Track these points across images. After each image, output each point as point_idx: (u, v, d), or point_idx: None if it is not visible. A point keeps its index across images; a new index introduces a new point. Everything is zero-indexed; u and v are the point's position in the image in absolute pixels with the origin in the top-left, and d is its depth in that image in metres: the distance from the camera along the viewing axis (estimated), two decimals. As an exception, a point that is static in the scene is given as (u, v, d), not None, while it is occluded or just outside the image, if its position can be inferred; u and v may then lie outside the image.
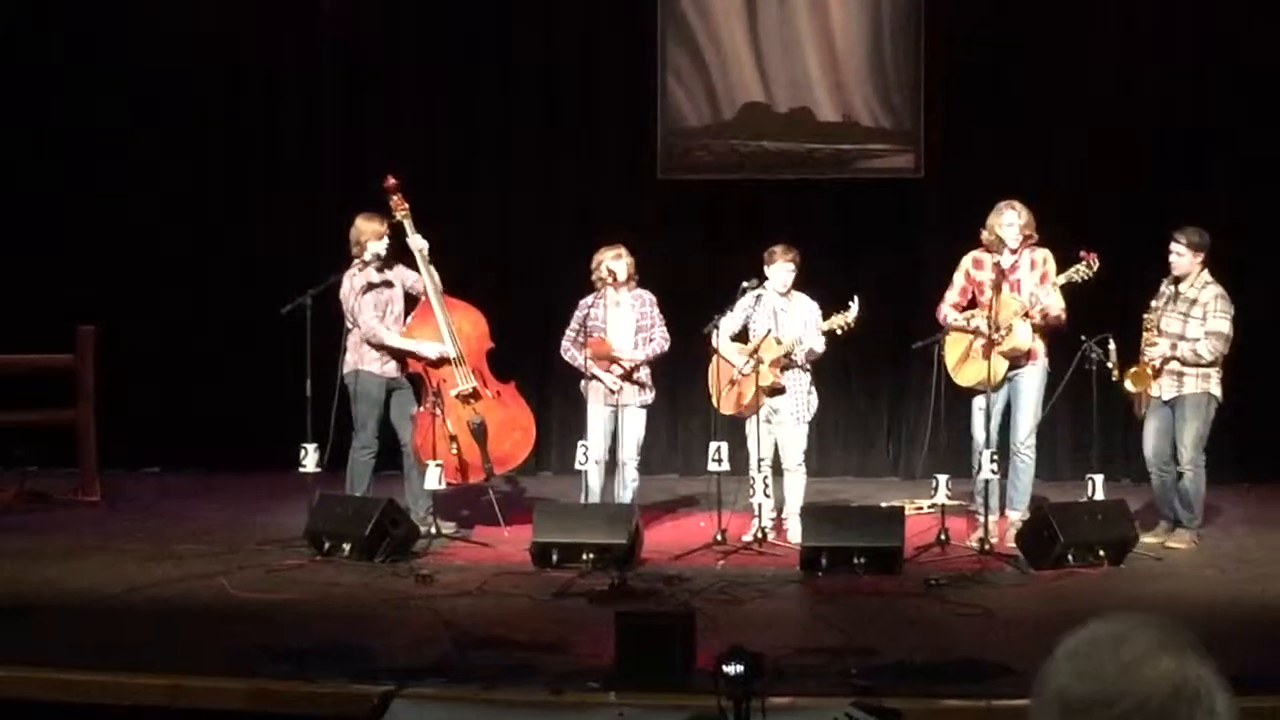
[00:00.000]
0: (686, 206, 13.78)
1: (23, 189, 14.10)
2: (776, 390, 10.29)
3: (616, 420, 10.45)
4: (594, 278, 10.53)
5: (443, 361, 10.49)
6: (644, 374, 10.53)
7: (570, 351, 10.55)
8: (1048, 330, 10.11)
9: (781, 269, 10.32)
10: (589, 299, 10.54)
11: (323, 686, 6.81)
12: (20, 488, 12.29)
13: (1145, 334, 10.12)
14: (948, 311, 10.30)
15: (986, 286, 10.08)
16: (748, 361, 10.21)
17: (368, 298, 10.45)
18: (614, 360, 10.39)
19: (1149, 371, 10.06)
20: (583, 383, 10.55)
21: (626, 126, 13.87)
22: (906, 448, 13.34)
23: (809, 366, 10.38)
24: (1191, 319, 10.00)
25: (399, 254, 10.61)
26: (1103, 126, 13.20)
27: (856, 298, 10.20)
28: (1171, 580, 9.24)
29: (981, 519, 10.00)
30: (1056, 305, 9.96)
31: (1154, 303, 10.14)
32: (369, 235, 10.46)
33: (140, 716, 6.46)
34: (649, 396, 10.57)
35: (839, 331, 10.28)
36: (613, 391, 10.38)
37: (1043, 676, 1.96)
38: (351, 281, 10.46)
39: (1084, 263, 9.88)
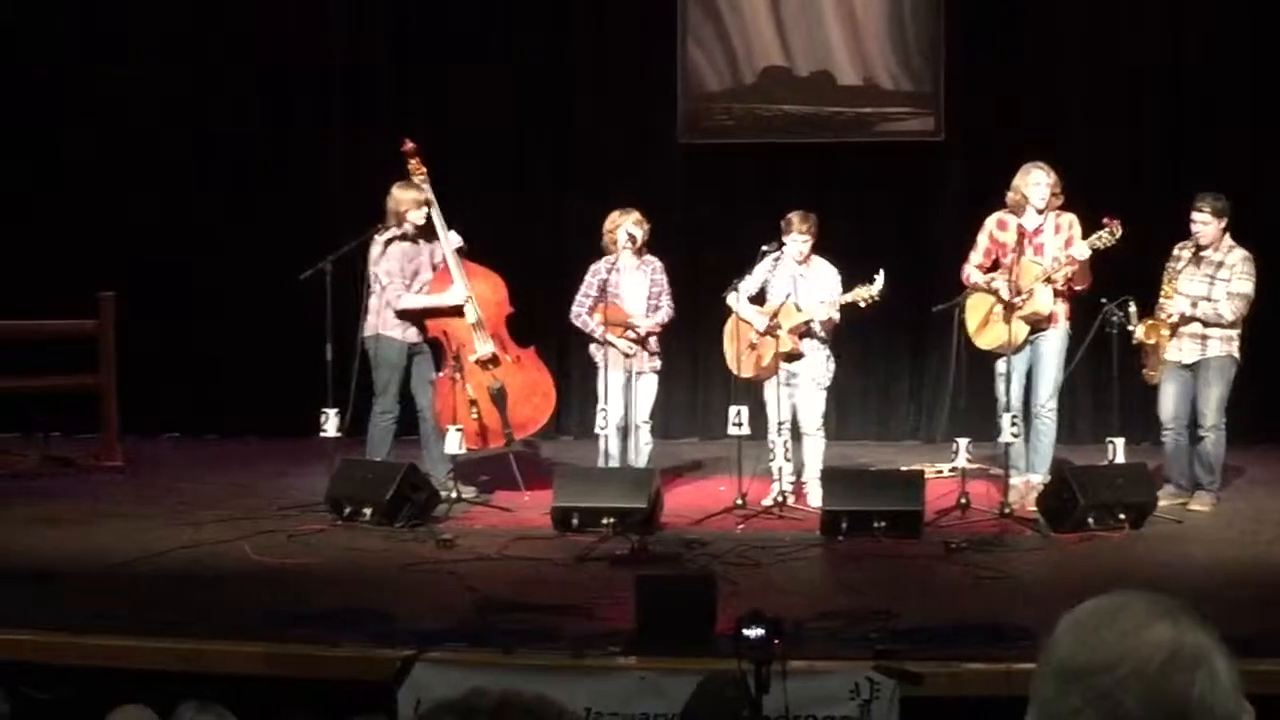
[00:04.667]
0: (707, 171, 13.73)
1: (45, 158, 14.11)
2: (795, 356, 10.27)
3: (630, 386, 10.44)
4: (607, 241, 10.51)
5: (465, 312, 10.48)
6: (653, 341, 10.53)
7: (582, 317, 10.52)
8: (1070, 294, 10.09)
9: (796, 239, 10.27)
10: (602, 264, 10.52)
11: (344, 651, 6.85)
12: (42, 453, 12.33)
13: (1162, 292, 10.11)
14: (971, 271, 10.28)
15: (1011, 249, 10.07)
16: (765, 324, 10.20)
17: (396, 266, 10.44)
18: (629, 326, 10.38)
19: (1164, 329, 10.05)
20: (593, 348, 10.54)
21: (646, 90, 13.81)
22: (927, 411, 13.32)
23: (826, 335, 10.35)
24: (1218, 281, 9.98)
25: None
26: (1122, 90, 13.13)
27: (882, 271, 10.11)
28: (1192, 543, 9.23)
29: (1012, 481, 9.99)
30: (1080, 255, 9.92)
31: (1170, 263, 10.12)
32: (409, 205, 10.45)
33: (161, 680, 6.48)
34: (659, 362, 10.58)
35: (863, 304, 10.23)
36: (628, 355, 10.37)
37: (1044, 648, 1.96)
38: (381, 247, 10.45)
39: (1107, 229, 9.86)
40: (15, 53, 14.21)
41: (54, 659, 6.95)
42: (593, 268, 10.56)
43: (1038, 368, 10.18)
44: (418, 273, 10.57)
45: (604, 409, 10.33)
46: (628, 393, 10.40)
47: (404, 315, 10.48)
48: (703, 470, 11.89)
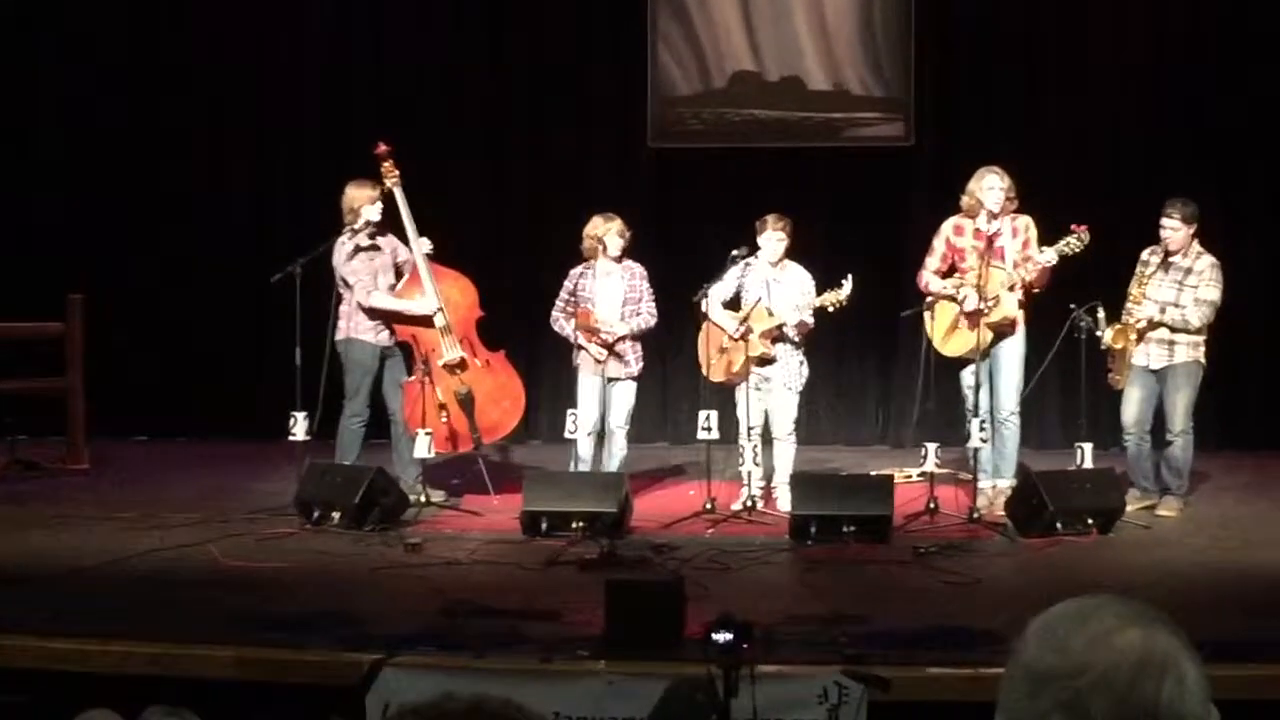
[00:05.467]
0: (677, 175, 13.76)
1: (15, 159, 14.05)
2: (766, 360, 10.28)
3: (605, 391, 10.43)
4: (586, 245, 10.49)
5: (434, 320, 10.46)
6: (628, 347, 10.50)
7: (559, 322, 10.54)
8: (1028, 297, 10.11)
9: (771, 238, 10.29)
10: (579, 269, 10.52)
11: (312, 654, 6.83)
12: (9, 456, 12.28)
13: (1130, 296, 10.13)
14: (929, 278, 10.30)
15: (968, 253, 10.11)
16: (738, 329, 10.20)
17: (360, 264, 10.43)
18: (596, 331, 10.37)
19: (1132, 334, 10.06)
20: (574, 353, 10.53)
21: (617, 95, 13.82)
22: (895, 416, 13.34)
23: (799, 339, 10.36)
24: (1186, 287, 10.01)
25: (389, 222, 10.58)
26: (1094, 95, 13.17)
27: (850, 276, 10.13)
28: (1160, 548, 9.26)
29: (980, 486, 10.03)
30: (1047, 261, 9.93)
31: (1139, 268, 10.15)
32: (362, 201, 10.44)
33: (128, 684, 6.46)
34: (635, 369, 10.54)
35: (830, 309, 10.24)
36: (598, 361, 10.37)
37: (1014, 652, 1.97)
38: (343, 249, 10.44)
39: (1075, 235, 9.88)
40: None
41: (19, 663, 6.92)
42: (570, 273, 10.55)
43: (999, 373, 10.20)
44: (380, 272, 10.54)
45: (573, 413, 10.32)
46: (602, 398, 10.40)
47: (373, 314, 10.46)
48: (672, 474, 11.89)
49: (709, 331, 10.37)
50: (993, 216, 10.08)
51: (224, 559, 8.83)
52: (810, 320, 10.29)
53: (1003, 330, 10.07)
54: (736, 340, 10.23)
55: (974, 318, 9.98)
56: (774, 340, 10.26)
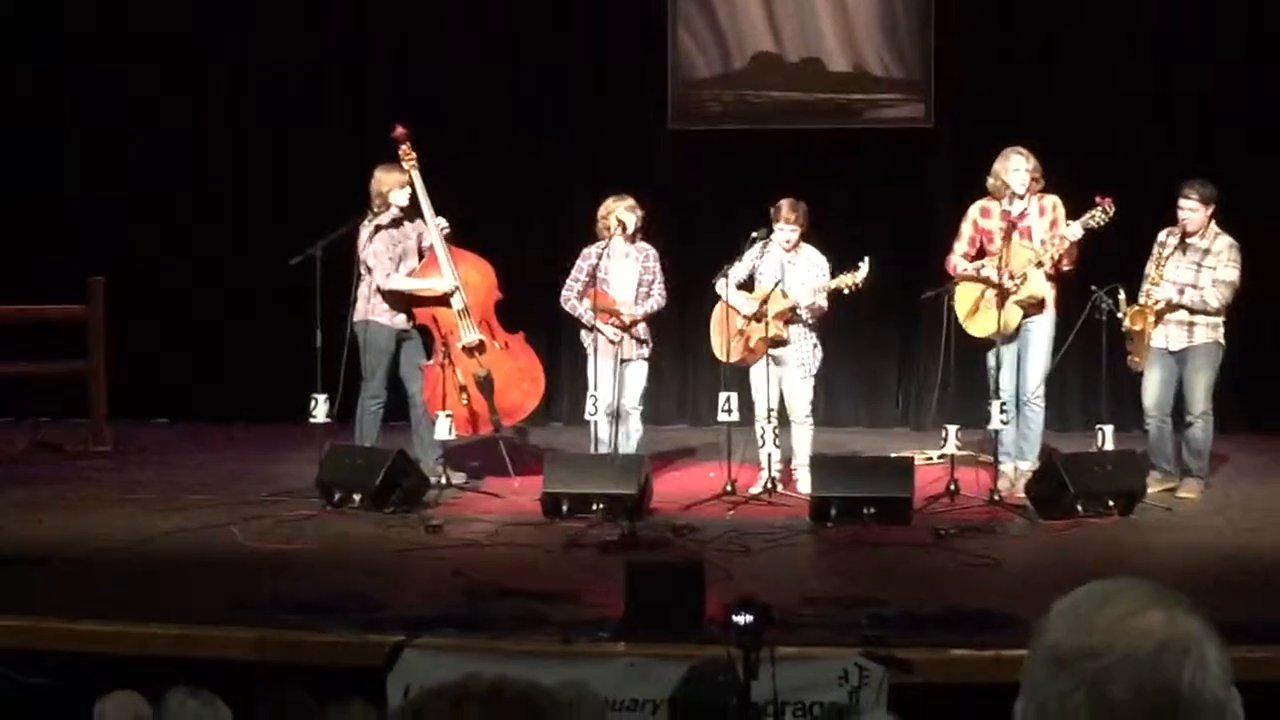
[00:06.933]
0: (697, 157, 13.73)
1: (32, 141, 14.08)
2: (779, 341, 10.26)
3: (619, 372, 10.42)
4: (600, 226, 10.48)
5: (451, 300, 10.46)
6: (642, 328, 10.50)
7: (571, 302, 10.51)
8: (1057, 275, 10.09)
9: (784, 228, 10.21)
10: (593, 249, 10.50)
11: (333, 636, 6.85)
12: (32, 438, 12.32)
13: (1147, 278, 10.11)
14: (957, 261, 10.28)
15: (996, 235, 10.08)
16: (753, 310, 10.18)
17: (383, 247, 10.43)
18: (614, 313, 10.36)
19: (1150, 315, 10.03)
20: (583, 334, 10.53)
21: (636, 77, 13.80)
22: (916, 398, 13.33)
23: (813, 321, 10.33)
24: (1204, 268, 9.98)
25: (411, 205, 10.59)
26: (1113, 75, 13.13)
27: (867, 259, 10.09)
28: (1181, 530, 9.25)
29: (1002, 468, 10.02)
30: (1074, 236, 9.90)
31: (1156, 249, 10.13)
32: (391, 185, 10.44)
33: (150, 666, 6.48)
34: (648, 350, 10.55)
35: (846, 291, 10.20)
36: (613, 343, 10.36)
37: (1036, 633, 1.97)
38: (368, 232, 10.44)
39: (1100, 207, 9.84)
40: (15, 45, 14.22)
41: (43, 645, 6.95)
42: (584, 252, 10.54)
43: (1026, 355, 10.18)
44: (404, 257, 10.55)
45: (594, 395, 10.31)
46: (617, 378, 10.39)
47: (391, 298, 10.46)
48: (692, 457, 11.89)
49: (725, 312, 10.35)
50: (1018, 197, 10.07)
51: (245, 541, 8.85)
52: (824, 303, 10.26)
53: (1031, 310, 10.05)
54: (751, 321, 10.22)
55: (1000, 297, 9.95)
56: (787, 322, 10.23)
